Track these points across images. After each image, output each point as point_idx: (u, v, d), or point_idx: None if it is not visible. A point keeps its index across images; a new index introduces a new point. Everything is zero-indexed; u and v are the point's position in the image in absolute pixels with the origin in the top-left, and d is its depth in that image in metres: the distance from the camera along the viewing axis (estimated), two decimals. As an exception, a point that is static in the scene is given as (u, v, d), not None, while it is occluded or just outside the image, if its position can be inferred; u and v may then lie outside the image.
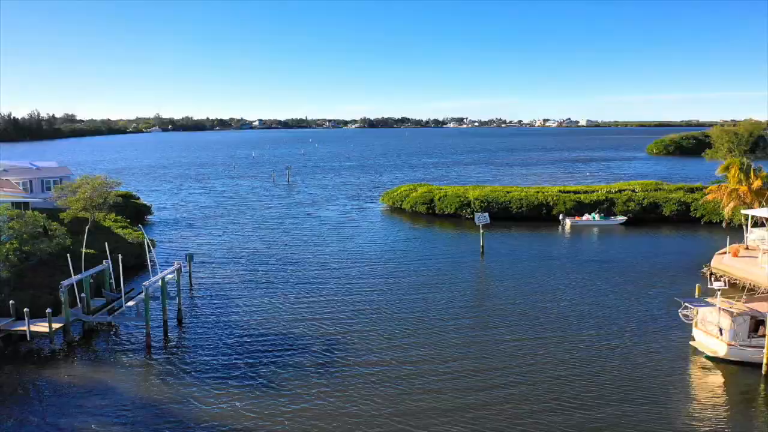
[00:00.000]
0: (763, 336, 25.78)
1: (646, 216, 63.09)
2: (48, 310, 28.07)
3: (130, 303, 31.15)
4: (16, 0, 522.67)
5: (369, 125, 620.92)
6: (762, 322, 26.37)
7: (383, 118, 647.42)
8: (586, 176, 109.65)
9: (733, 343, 26.33)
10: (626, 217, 62.15)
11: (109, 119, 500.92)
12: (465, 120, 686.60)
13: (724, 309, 26.62)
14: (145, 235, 43.04)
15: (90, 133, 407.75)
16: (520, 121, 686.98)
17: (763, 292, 34.15)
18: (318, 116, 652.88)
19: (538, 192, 68.80)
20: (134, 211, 64.60)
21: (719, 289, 26.89)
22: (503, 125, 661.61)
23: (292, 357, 27.87)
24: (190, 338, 30.59)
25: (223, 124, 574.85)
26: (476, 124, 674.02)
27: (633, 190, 68.82)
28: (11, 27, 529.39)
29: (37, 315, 28.91)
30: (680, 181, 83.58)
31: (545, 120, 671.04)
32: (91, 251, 37.53)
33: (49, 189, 60.23)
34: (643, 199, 65.01)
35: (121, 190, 64.36)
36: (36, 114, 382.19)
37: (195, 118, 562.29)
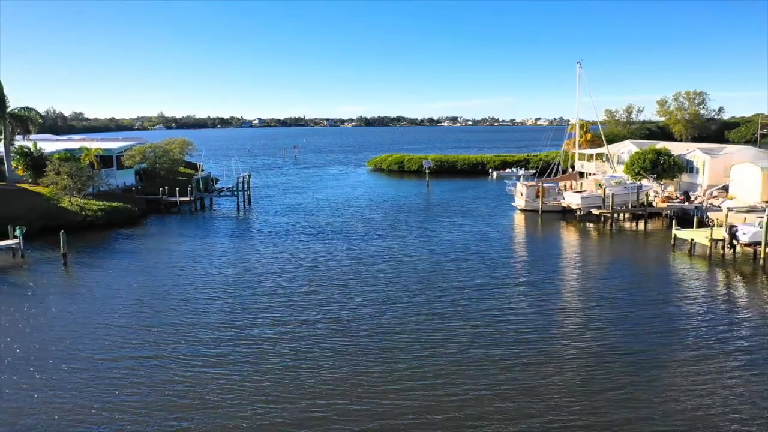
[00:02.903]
0: (539, 196, 53.22)
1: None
2: (189, 188, 55.51)
3: (229, 185, 58.86)
4: (17, 1, 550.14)
5: (365, 123, 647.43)
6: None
7: (379, 116, 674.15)
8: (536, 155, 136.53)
9: (528, 200, 53.69)
10: (535, 170, 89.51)
11: (113, 117, 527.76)
12: (459, 119, 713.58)
13: (524, 183, 54.18)
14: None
15: (101, 130, 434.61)
16: (513, 119, 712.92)
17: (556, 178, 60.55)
18: (316, 115, 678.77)
19: (478, 156, 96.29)
20: (191, 167, 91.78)
21: (522, 174, 54.31)
22: (496, 123, 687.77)
23: (313, 224, 55.31)
24: (255, 207, 58.44)
25: (223, 122, 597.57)
26: (470, 122, 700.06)
27: (547, 155, 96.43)
28: (15, 27, 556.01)
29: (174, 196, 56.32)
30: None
31: (537, 119, 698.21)
32: (185, 179, 64.81)
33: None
34: (551, 159, 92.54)
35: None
36: (53, 111, 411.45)
37: (197, 116, 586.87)
